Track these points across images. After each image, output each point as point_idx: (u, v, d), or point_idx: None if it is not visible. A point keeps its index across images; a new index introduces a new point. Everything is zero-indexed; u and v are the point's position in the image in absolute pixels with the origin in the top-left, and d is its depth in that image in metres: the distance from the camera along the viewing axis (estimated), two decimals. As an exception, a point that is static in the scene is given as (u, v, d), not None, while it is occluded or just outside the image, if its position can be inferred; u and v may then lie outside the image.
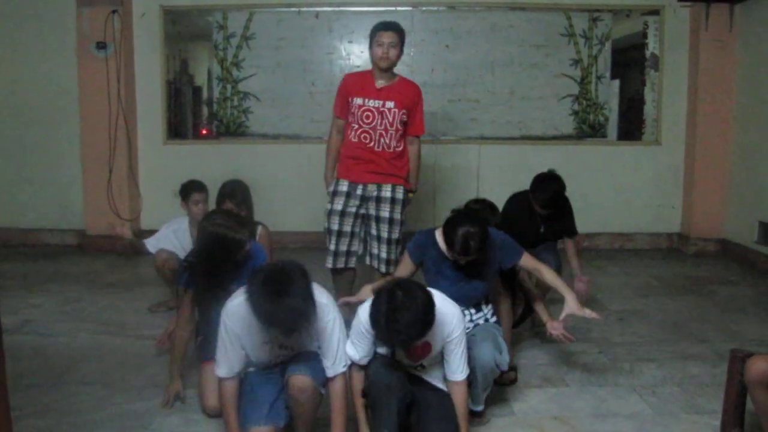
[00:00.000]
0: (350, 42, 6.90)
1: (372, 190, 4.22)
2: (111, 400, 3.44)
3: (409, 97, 4.26)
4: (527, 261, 3.38)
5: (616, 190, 7.05)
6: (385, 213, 4.22)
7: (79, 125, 6.82)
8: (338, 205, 4.24)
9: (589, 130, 7.03)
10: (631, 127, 7.09)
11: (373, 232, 4.26)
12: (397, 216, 4.24)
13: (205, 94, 7.06)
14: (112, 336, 4.41)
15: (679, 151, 7.04)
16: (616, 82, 7.04)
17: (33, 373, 3.76)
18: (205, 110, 7.07)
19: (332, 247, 4.28)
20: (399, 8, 6.88)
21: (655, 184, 7.09)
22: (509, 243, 3.36)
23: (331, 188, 4.31)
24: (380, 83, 4.23)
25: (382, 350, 2.86)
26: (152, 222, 6.93)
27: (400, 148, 4.27)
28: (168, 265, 4.66)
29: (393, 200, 4.23)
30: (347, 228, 4.25)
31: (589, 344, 4.31)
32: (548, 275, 3.38)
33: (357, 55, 6.89)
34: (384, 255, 4.24)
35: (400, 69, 6.82)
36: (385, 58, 4.17)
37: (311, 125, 6.89)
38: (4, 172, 7.05)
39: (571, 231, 4.60)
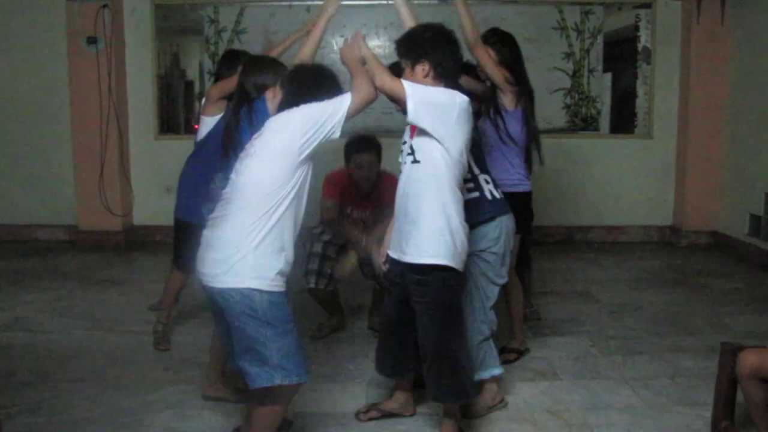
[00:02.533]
0: (342, 36, 6.87)
1: None
2: (104, 397, 3.43)
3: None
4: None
5: (609, 183, 7.06)
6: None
7: (70, 120, 6.79)
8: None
9: (581, 123, 7.04)
10: (623, 120, 7.10)
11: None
12: None
13: (197, 89, 7.04)
14: (105, 332, 4.40)
15: (671, 144, 7.05)
16: (608, 76, 7.05)
17: (24, 371, 3.75)
18: (197, 105, 7.04)
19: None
20: (391, 1, 6.81)
21: (647, 177, 7.10)
22: None
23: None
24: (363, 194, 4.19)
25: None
26: (144, 218, 6.92)
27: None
28: None
29: None
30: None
31: (581, 337, 4.32)
32: None
33: (349, 49, 6.85)
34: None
35: (392, 60, 6.86)
36: (366, 178, 4.10)
37: (303, 119, 6.87)
38: (-5, 168, 7.02)
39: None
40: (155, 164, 6.90)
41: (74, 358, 3.95)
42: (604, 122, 7.08)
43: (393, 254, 2.89)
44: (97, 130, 6.64)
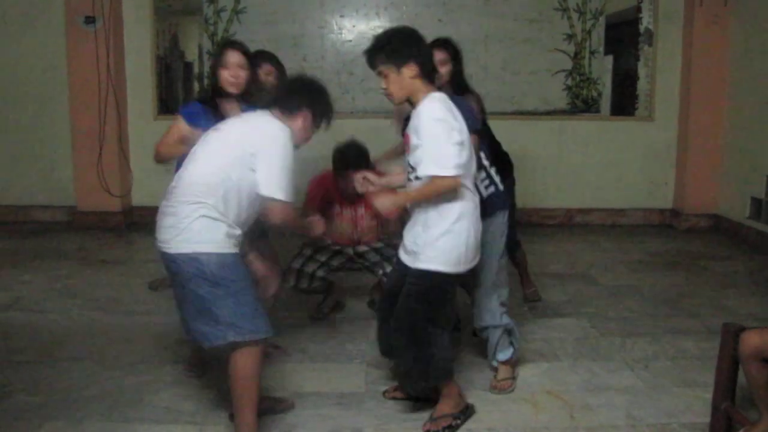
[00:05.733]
0: (342, 16, 6.82)
1: None
2: (102, 376, 3.43)
3: None
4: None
5: (609, 165, 7.03)
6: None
7: (68, 100, 6.74)
8: None
9: (582, 105, 7.00)
10: (625, 102, 7.05)
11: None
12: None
13: (195, 69, 6.98)
14: (104, 312, 4.39)
15: (672, 127, 7.01)
16: (610, 58, 6.99)
17: (23, 350, 3.75)
18: (195, 85, 6.99)
19: None
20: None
21: (648, 159, 7.07)
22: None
23: None
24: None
25: None
26: (143, 198, 6.88)
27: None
28: None
29: None
30: None
31: (582, 319, 4.32)
32: None
33: (348, 29, 6.82)
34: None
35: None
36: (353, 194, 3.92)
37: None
38: (-6, 149, 6.99)
39: None
40: (154, 145, 6.83)
41: (73, 338, 3.94)
42: (605, 104, 7.03)
43: None
44: (95, 110, 6.60)
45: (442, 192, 2.73)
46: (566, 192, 7.03)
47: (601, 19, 6.89)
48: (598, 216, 7.11)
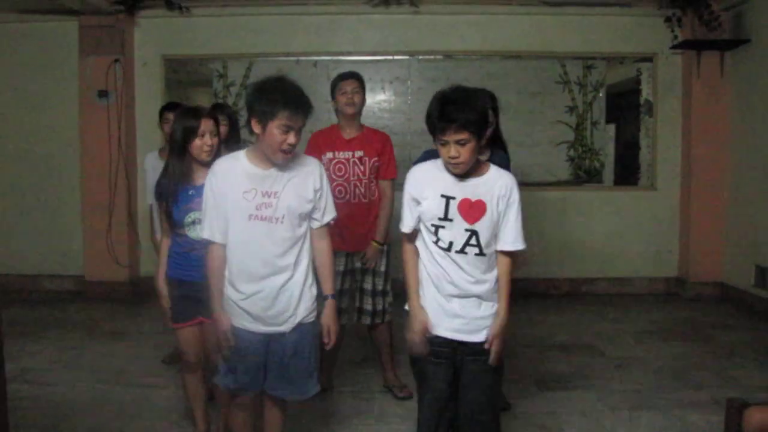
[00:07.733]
0: (348, 90, 6.98)
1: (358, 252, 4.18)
2: (108, 452, 3.42)
3: (377, 144, 4.22)
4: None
5: (613, 235, 7.07)
6: (369, 266, 4.18)
7: (79, 172, 6.88)
8: None
9: (585, 175, 7.09)
10: (627, 172, 7.15)
11: (357, 284, 4.22)
12: (382, 268, 4.20)
13: (204, 142, 7.11)
14: (110, 385, 4.39)
15: (675, 196, 7.08)
16: (612, 128, 7.12)
17: (30, 424, 3.74)
18: (204, 157, 7.11)
19: None
20: (396, 57, 6.99)
21: (651, 228, 7.11)
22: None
23: None
24: (349, 134, 4.19)
25: (431, 207, 2.65)
26: (151, 269, 6.91)
27: (374, 197, 4.19)
28: None
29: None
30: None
31: (588, 392, 4.29)
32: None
33: (355, 102, 6.96)
34: (369, 307, 4.18)
35: (397, 115, 6.99)
36: (350, 104, 4.14)
37: (310, 172, 6.94)
38: (5, 218, 7.10)
39: None
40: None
41: (78, 412, 3.94)
42: (608, 174, 7.13)
43: None
44: (106, 181, 6.72)
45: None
46: (571, 262, 7.06)
47: (602, 91, 7.04)
48: (603, 285, 7.12)
